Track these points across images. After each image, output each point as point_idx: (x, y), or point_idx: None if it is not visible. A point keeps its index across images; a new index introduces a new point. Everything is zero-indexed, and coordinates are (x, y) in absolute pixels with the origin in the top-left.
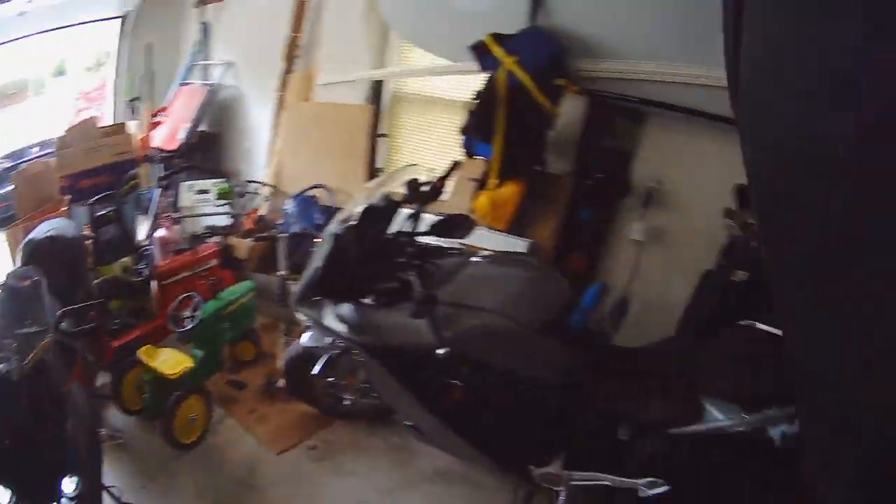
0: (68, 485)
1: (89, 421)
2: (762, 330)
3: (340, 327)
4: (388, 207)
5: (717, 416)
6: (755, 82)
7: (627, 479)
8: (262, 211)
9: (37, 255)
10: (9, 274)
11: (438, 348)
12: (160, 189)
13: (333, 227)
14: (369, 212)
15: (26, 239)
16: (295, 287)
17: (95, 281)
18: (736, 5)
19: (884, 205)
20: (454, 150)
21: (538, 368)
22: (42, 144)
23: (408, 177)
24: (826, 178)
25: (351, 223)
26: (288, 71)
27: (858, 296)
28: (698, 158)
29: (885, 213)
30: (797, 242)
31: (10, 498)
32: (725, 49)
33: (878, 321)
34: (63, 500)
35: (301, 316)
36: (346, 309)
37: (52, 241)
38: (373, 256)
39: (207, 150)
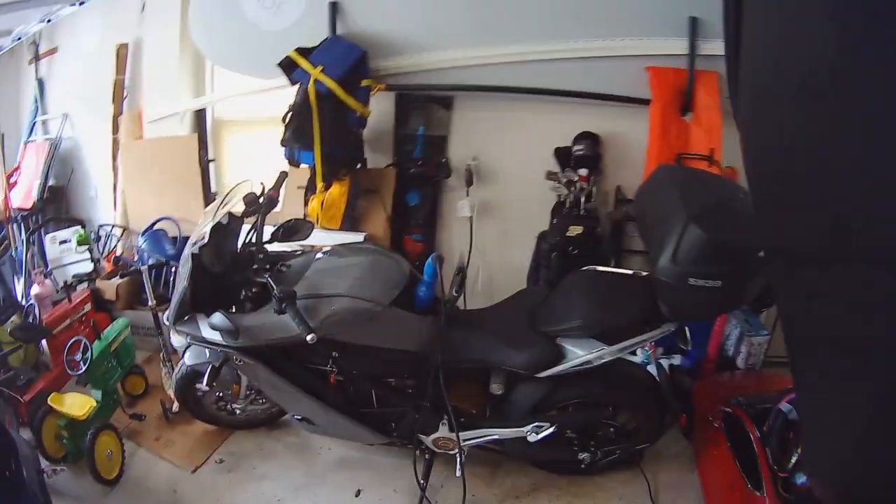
0: None
1: (33, 464)
2: (603, 270)
3: (216, 337)
4: (232, 223)
5: (579, 353)
6: (756, 84)
7: (514, 429)
8: (118, 251)
9: None
10: None
11: (306, 336)
12: (25, 247)
13: (189, 249)
14: (217, 230)
15: None
16: (167, 312)
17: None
18: (736, 5)
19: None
20: (279, 163)
21: (395, 340)
22: None
23: (244, 192)
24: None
25: (204, 243)
26: (118, 113)
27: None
28: (509, 131)
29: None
30: (797, 243)
31: None
32: (726, 50)
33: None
34: None
35: (178, 336)
36: (217, 319)
37: None
38: (230, 269)
39: (59, 203)
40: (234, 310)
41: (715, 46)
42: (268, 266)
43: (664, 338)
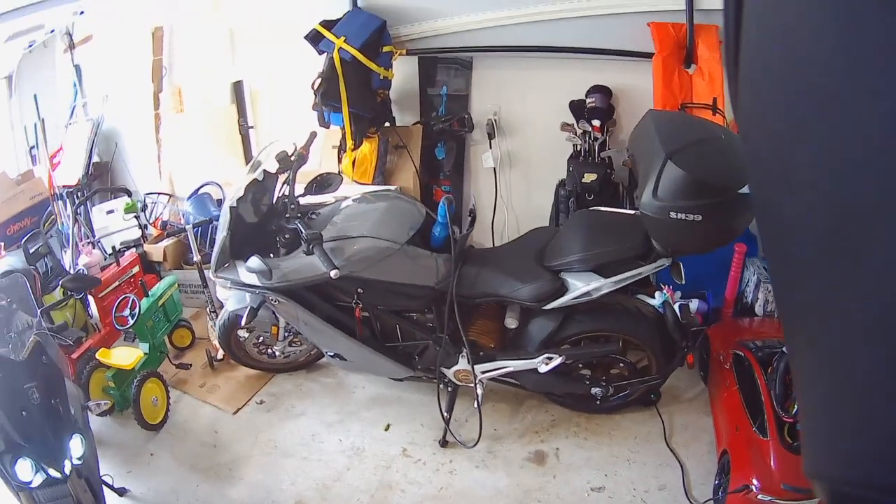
0: (76, 447)
1: (79, 399)
2: (606, 211)
3: (254, 280)
4: (267, 180)
5: (579, 285)
6: (755, 83)
7: (526, 361)
8: (165, 217)
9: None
10: None
11: (331, 272)
12: (73, 220)
13: (229, 202)
14: (253, 185)
15: None
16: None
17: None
18: (736, 2)
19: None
20: (312, 126)
21: (413, 275)
22: None
23: (276, 150)
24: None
25: (240, 196)
26: (158, 90)
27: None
28: (526, 87)
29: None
30: (795, 248)
31: (32, 467)
32: (726, 48)
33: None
34: (73, 460)
35: (223, 290)
36: (253, 262)
37: (7, 273)
38: (265, 219)
39: (104, 178)
40: (271, 256)
41: (711, 1)
42: (299, 214)
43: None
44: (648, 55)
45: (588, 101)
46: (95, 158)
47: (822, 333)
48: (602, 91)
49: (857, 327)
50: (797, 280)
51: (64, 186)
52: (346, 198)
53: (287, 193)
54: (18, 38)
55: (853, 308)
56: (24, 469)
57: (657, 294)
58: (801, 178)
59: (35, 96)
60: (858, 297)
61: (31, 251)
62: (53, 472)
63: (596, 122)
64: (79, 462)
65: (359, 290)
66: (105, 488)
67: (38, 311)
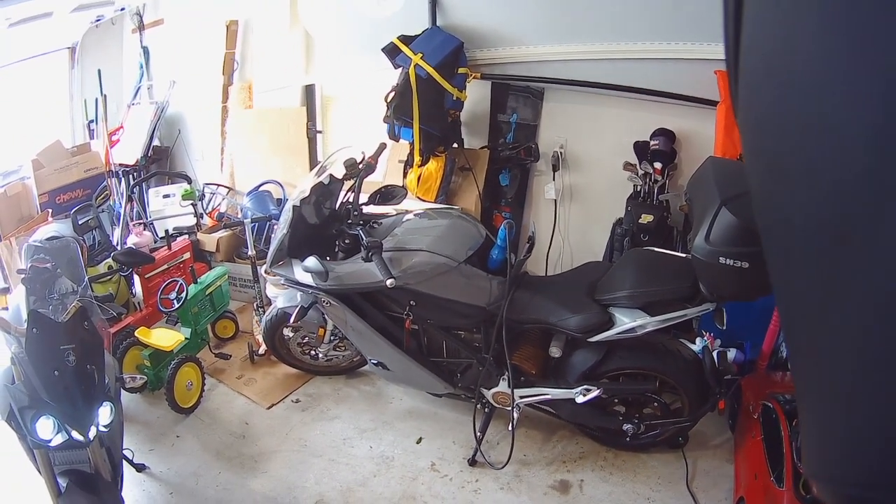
0: (104, 414)
1: (114, 370)
2: (659, 251)
3: (308, 279)
4: (332, 184)
5: (625, 321)
6: (756, 80)
7: (564, 390)
8: (222, 209)
9: (42, 250)
10: (31, 260)
11: (387, 281)
12: (127, 199)
13: (292, 201)
14: (318, 188)
15: (30, 241)
16: (266, 256)
17: (115, 252)
18: (736, 3)
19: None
20: (381, 137)
21: (466, 294)
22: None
23: (344, 157)
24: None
25: (305, 196)
26: (228, 84)
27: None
28: (593, 123)
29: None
30: (793, 241)
31: (54, 426)
32: (726, 49)
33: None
34: (99, 427)
35: (273, 287)
36: (311, 262)
37: (54, 238)
38: (327, 222)
39: (163, 162)
40: (327, 259)
41: None
42: (361, 222)
43: (723, 332)
44: (713, 103)
45: (652, 143)
46: (156, 142)
47: (823, 331)
48: (666, 134)
49: (857, 324)
50: (797, 275)
51: (120, 165)
52: (408, 212)
53: (351, 200)
54: (86, 11)
55: (853, 303)
56: (45, 427)
57: (698, 340)
58: (799, 170)
59: (99, 71)
60: (857, 292)
61: (80, 222)
62: (77, 435)
63: (658, 165)
64: (105, 430)
65: (411, 302)
66: (125, 462)
67: (87, 278)
